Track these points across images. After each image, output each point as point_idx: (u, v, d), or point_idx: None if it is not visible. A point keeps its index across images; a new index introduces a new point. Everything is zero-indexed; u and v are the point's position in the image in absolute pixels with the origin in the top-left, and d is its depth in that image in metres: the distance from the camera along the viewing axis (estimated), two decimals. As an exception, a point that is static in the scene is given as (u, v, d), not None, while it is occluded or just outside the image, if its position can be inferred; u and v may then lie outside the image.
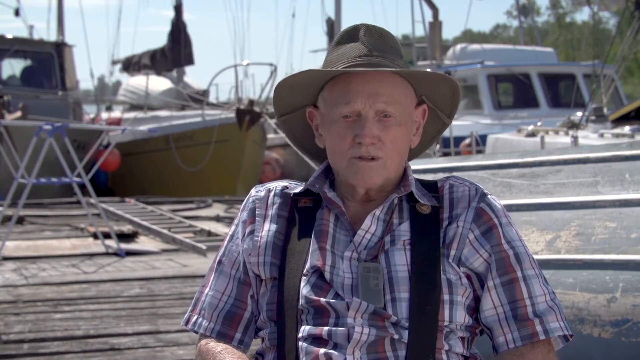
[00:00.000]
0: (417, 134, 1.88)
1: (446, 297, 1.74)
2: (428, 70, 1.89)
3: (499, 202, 1.86)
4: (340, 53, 1.82)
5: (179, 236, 8.49)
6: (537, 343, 1.76)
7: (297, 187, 1.89)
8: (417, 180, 1.87)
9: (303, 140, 1.97)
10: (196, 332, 1.87)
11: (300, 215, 1.84)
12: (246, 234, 1.86)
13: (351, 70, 1.77)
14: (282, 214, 1.86)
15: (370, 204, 1.83)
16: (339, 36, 1.86)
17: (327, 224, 1.81)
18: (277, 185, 1.91)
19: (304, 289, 1.75)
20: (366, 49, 1.80)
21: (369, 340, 1.69)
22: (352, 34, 1.84)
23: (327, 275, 1.75)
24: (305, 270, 1.77)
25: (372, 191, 1.83)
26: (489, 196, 1.83)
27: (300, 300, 1.74)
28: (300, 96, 1.88)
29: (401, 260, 1.75)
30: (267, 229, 1.84)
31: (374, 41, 1.82)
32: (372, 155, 1.77)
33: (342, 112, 1.78)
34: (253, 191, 1.92)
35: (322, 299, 1.72)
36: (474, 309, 1.80)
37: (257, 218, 1.86)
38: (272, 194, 1.89)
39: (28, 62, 16.17)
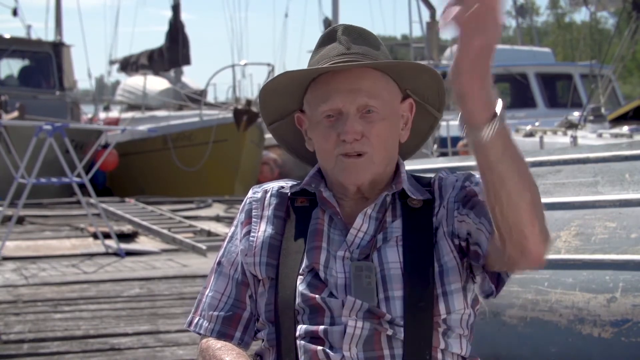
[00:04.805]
0: (405, 129, 1.88)
1: (439, 290, 1.74)
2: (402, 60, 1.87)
3: None
4: (321, 55, 1.83)
5: (179, 236, 8.50)
6: None
7: (294, 187, 1.90)
8: (414, 177, 1.88)
9: (295, 146, 1.97)
10: (199, 334, 1.88)
11: (296, 215, 1.85)
12: (242, 235, 1.87)
13: (327, 67, 1.77)
14: (278, 214, 1.87)
15: (365, 202, 1.83)
16: (320, 38, 1.87)
17: (322, 223, 1.82)
18: (274, 185, 1.92)
19: (300, 287, 1.75)
20: (344, 48, 1.81)
21: (363, 335, 1.70)
22: (331, 35, 1.85)
23: (321, 275, 1.75)
24: (301, 270, 1.77)
25: (364, 188, 1.83)
26: (473, 177, 1.80)
27: (297, 299, 1.75)
28: (285, 101, 1.89)
29: (394, 257, 1.75)
30: (263, 230, 1.85)
31: (352, 40, 1.82)
32: (357, 152, 1.77)
33: (324, 111, 1.78)
34: (250, 192, 1.93)
35: (317, 296, 1.73)
36: (472, 278, 1.77)
37: (253, 219, 1.88)
38: (268, 194, 1.90)
39: (26, 62, 16.17)
